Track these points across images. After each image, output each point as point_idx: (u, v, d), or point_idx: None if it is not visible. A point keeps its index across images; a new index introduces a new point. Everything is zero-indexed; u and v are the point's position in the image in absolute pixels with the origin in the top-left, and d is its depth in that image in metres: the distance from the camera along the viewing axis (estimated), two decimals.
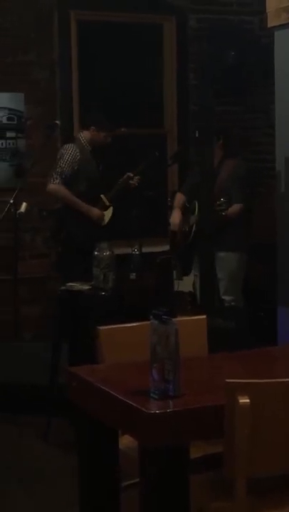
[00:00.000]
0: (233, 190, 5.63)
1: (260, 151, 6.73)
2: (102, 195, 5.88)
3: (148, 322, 2.50)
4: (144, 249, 5.19)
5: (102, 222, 5.86)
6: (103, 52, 6.73)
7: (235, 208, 5.64)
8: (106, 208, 5.90)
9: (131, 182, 5.86)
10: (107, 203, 5.89)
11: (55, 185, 5.66)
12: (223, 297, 5.61)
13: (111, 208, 5.90)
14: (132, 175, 5.88)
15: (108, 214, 5.91)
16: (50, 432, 4.78)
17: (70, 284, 4.84)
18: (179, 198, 5.99)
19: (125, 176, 5.88)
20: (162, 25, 6.91)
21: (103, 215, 5.85)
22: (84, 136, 5.84)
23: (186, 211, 5.90)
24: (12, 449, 4.72)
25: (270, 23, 4.44)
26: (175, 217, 5.93)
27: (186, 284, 5.67)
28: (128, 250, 5.13)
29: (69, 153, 5.72)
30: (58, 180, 5.65)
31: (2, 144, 6.29)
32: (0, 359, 5.50)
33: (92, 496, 2.88)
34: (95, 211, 5.81)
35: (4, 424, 5.06)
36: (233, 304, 5.66)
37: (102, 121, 5.83)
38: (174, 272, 5.41)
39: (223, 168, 5.69)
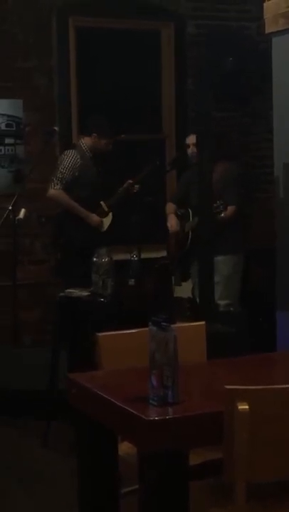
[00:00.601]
0: (226, 193, 5.63)
1: (258, 156, 6.74)
2: (101, 202, 5.89)
3: (147, 328, 2.50)
4: (143, 255, 5.20)
5: (100, 229, 5.87)
6: (101, 58, 6.74)
7: (229, 210, 5.64)
8: (105, 215, 5.90)
9: (130, 188, 5.87)
10: (107, 210, 5.90)
11: (55, 191, 5.68)
12: (218, 301, 5.61)
13: (110, 215, 5.91)
14: (132, 182, 5.88)
15: (107, 220, 5.91)
16: (50, 436, 4.78)
17: (69, 290, 4.85)
18: (170, 207, 6.03)
19: (126, 184, 5.89)
20: (160, 31, 6.93)
21: (102, 222, 5.86)
22: (85, 142, 5.85)
23: (179, 218, 5.93)
24: (12, 453, 4.72)
25: (268, 29, 4.46)
26: (172, 221, 5.95)
27: (184, 289, 5.67)
28: (127, 256, 5.13)
29: (69, 159, 5.73)
30: (58, 186, 5.66)
31: (1, 150, 6.30)
32: (0, 364, 5.50)
33: (92, 501, 2.88)
34: (94, 218, 5.81)
35: (4, 428, 5.07)
36: (231, 309, 5.66)
37: (104, 127, 5.83)
38: (173, 277, 5.42)
39: (215, 171, 5.70)
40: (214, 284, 5.58)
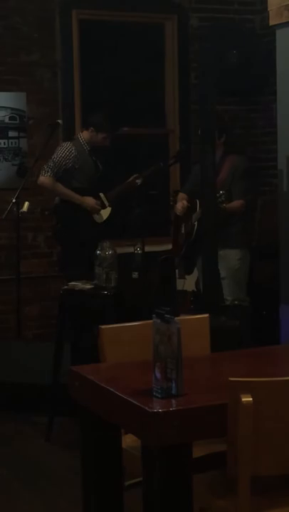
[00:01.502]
0: (233, 186, 5.62)
1: (262, 150, 6.73)
2: (100, 194, 5.89)
3: (150, 321, 2.49)
4: (147, 249, 5.20)
5: (96, 213, 5.85)
6: (105, 51, 6.73)
7: (236, 203, 5.62)
8: (104, 207, 5.90)
9: (136, 181, 5.86)
10: (106, 202, 5.90)
11: (45, 178, 5.71)
12: (225, 296, 5.59)
13: (109, 208, 5.91)
14: (137, 176, 5.86)
15: (106, 212, 5.91)
16: (53, 430, 4.79)
17: (73, 283, 4.85)
18: (181, 196, 5.97)
19: (131, 179, 5.88)
20: (164, 25, 6.91)
21: (97, 204, 5.85)
22: (83, 136, 5.87)
23: (188, 210, 5.89)
24: (15, 447, 4.73)
25: (272, 22, 4.44)
26: (179, 205, 5.84)
27: (188, 282, 5.67)
28: (130, 249, 5.13)
29: (63, 149, 5.77)
30: (48, 173, 5.70)
31: (4, 143, 6.30)
32: (2, 358, 5.51)
33: (96, 494, 2.88)
34: (88, 200, 5.81)
35: (7, 422, 5.08)
36: (236, 303, 5.64)
37: (101, 122, 5.85)
38: (177, 270, 5.41)
39: (223, 165, 5.69)
40: (219, 278, 5.59)
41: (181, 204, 5.80)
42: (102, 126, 5.84)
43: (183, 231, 5.80)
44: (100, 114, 5.95)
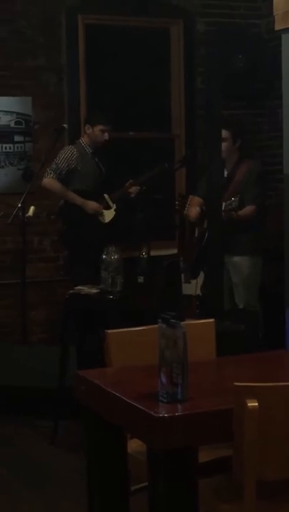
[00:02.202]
0: (246, 191, 5.60)
1: (267, 154, 6.73)
2: (105, 195, 5.91)
3: (156, 326, 2.49)
4: (153, 253, 5.20)
5: (99, 216, 5.86)
6: (111, 56, 6.74)
7: (248, 209, 5.59)
8: (109, 208, 5.91)
9: (130, 191, 5.87)
10: (110, 203, 5.91)
11: (48, 179, 5.74)
12: (237, 303, 5.57)
13: (113, 209, 5.92)
14: (132, 182, 5.87)
15: (111, 213, 5.92)
16: (58, 433, 4.79)
17: (78, 287, 4.85)
18: (197, 201, 5.88)
19: (127, 184, 5.90)
20: (169, 29, 6.92)
21: (100, 208, 5.86)
22: (84, 140, 5.91)
23: (201, 215, 5.85)
24: (20, 450, 4.73)
25: (278, 26, 4.44)
26: (192, 211, 5.76)
27: (194, 287, 5.66)
28: (136, 254, 5.13)
29: (65, 151, 5.82)
30: (51, 175, 5.73)
31: (10, 147, 6.31)
32: (8, 362, 5.51)
33: (101, 499, 2.88)
34: (90, 204, 5.82)
35: (13, 425, 5.08)
36: (249, 309, 5.62)
37: (94, 115, 5.94)
38: (182, 275, 5.41)
39: (238, 171, 5.67)
40: (233, 286, 5.57)
41: (194, 210, 5.75)
42: (94, 118, 5.89)
43: (196, 234, 5.75)
44: (90, 109, 5.98)
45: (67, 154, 5.79)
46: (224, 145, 5.63)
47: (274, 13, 4.45)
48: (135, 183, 5.85)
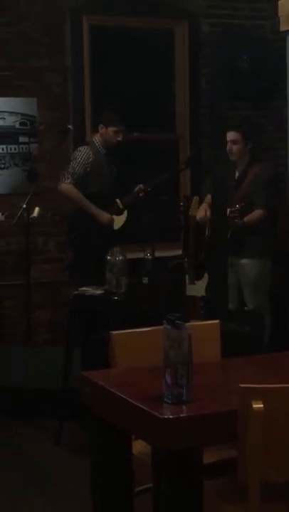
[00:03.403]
0: (256, 195, 5.57)
1: (273, 156, 6.71)
2: (117, 200, 5.90)
3: (161, 327, 2.49)
4: (157, 254, 5.19)
5: (111, 227, 5.87)
6: (115, 57, 6.74)
7: (255, 214, 5.56)
8: (120, 213, 5.91)
9: (140, 195, 5.87)
10: (122, 207, 5.90)
11: (66, 185, 5.70)
12: (247, 306, 5.55)
13: (125, 213, 5.91)
14: (142, 188, 5.86)
15: (122, 219, 5.91)
16: (63, 435, 4.79)
17: (83, 288, 4.85)
18: (209, 197, 5.83)
19: (137, 188, 5.89)
20: (174, 30, 6.91)
21: (112, 220, 5.86)
22: (97, 139, 5.87)
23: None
24: (25, 452, 4.73)
25: (283, 27, 4.45)
26: (200, 212, 5.71)
27: (199, 288, 5.65)
28: (141, 255, 5.13)
29: (82, 154, 5.76)
30: (69, 180, 5.69)
31: (15, 148, 6.31)
32: (13, 363, 5.51)
33: (106, 500, 2.88)
34: (105, 216, 5.81)
35: (17, 427, 5.08)
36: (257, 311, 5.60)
37: (108, 115, 5.87)
38: (187, 276, 5.40)
39: (249, 173, 5.65)
40: (241, 288, 5.55)
41: (203, 212, 5.72)
42: (109, 119, 5.84)
43: (207, 233, 5.72)
44: (106, 109, 5.96)
45: (84, 157, 5.75)
46: (236, 147, 5.63)
47: (279, 14, 4.46)
48: (146, 188, 5.83)
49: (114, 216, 5.90)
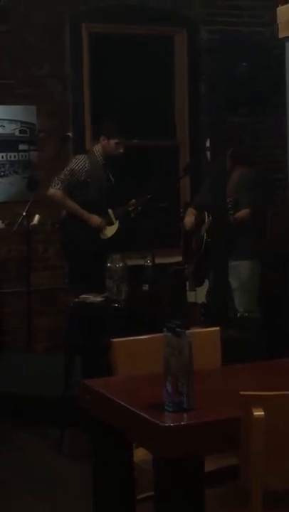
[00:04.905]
0: (240, 196, 5.62)
1: (271, 161, 6.73)
2: (109, 210, 5.90)
3: (161, 334, 2.49)
4: (157, 261, 5.19)
5: (101, 231, 5.86)
6: (115, 64, 6.75)
7: (243, 212, 5.61)
8: (111, 223, 5.91)
9: (130, 210, 5.88)
10: (114, 219, 5.91)
11: (54, 190, 5.73)
12: (237, 308, 5.57)
13: (116, 224, 5.92)
14: (134, 202, 5.88)
15: (113, 229, 5.91)
16: (64, 442, 4.78)
17: (84, 295, 4.85)
18: (190, 212, 5.99)
19: (130, 202, 5.91)
20: (173, 37, 6.93)
21: (103, 223, 5.85)
22: (97, 149, 5.87)
23: (197, 222, 5.89)
24: (26, 460, 4.72)
25: (281, 34, 4.45)
26: (187, 220, 5.86)
27: (199, 295, 5.66)
28: (141, 261, 5.13)
29: (77, 162, 5.78)
30: (58, 186, 5.71)
31: (15, 156, 6.32)
32: (13, 370, 5.51)
33: (107, 508, 2.88)
34: (95, 218, 5.82)
35: (18, 434, 5.08)
36: (246, 314, 5.62)
37: (110, 128, 5.87)
38: (187, 283, 5.40)
39: (231, 177, 5.69)
40: (231, 290, 5.56)
41: (189, 219, 5.80)
42: (111, 131, 5.84)
43: (193, 245, 5.80)
44: (107, 119, 5.96)
45: (78, 165, 5.76)
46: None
47: (278, 21, 4.46)
48: (138, 202, 5.85)
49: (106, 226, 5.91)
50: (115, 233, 5.90)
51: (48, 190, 5.77)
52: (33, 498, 4.21)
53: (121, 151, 5.85)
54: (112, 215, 5.90)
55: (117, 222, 5.91)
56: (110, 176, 5.93)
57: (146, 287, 4.96)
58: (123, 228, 5.94)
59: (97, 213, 5.84)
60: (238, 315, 5.42)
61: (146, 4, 6.70)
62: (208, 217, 5.65)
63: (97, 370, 3.42)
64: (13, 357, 5.78)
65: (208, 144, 5.77)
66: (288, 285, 4.72)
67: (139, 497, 2.89)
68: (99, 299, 4.74)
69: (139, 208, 5.77)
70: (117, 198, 5.98)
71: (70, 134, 6.12)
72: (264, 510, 2.39)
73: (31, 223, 5.84)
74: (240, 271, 5.65)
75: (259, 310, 5.75)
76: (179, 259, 6.02)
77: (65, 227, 5.92)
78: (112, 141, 5.82)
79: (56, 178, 5.73)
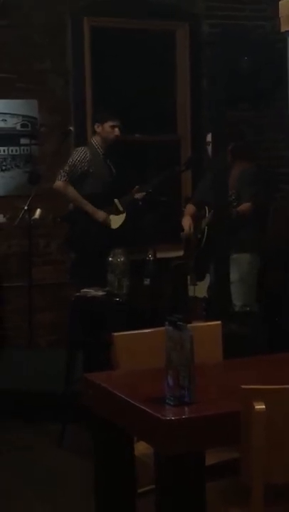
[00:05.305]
0: (241, 190, 5.63)
1: (274, 156, 6.72)
2: (115, 200, 5.91)
3: (163, 328, 2.49)
4: (159, 255, 5.19)
5: (108, 225, 5.87)
6: (116, 58, 6.74)
7: (244, 206, 5.62)
8: (119, 213, 5.92)
9: (136, 197, 5.88)
10: (121, 208, 5.91)
11: (61, 183, 5.73)
12: (234, 301, 5.58)
13: (124, 214, 5.92)
14: (139, 188, 5.88)
15: (120, 219, 5.92)
16: (65, 437, 4.79)
17: (85, 290, 4.85)
18: (189, 208, 6.00)
19: (134, 189, 5.91)
20: (175, 32, 6.91)
21: (108, 218, 5.86)
22: (95, 140, 5.91)
23: (197, 218, 5.90)
24: (28, 455, 4.73)
25: (283, 28, 4.44)
26: (185, 222, 5.92)
27: (200, 289, 5.66)
28: (143, 256, 5.13)
29: (78, 153, 5.81)
30: (64, 178, 5.72)
31: (16, 150, 6.31)
32: (15, 366, 5.51)
33: (108, 502, 2.88)
34: (101, 213, 5.83)
35: (20, 430, 5.08)
36: (247, 309, 5.62)
37: (101, 113, 5.95)
38: (188, 277, 5.40)
39: (232, 173, 5.69)
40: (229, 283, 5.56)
41: (187, 223, 5.82)
42: (102, 116, 5.90)
43: (194, 239, 5.80)
44: (97, 107, 5.99)
45: (80, 156, 5.79)
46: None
47: (279, 15, 4.45)
48: (142, 189, 5.85)
49: (112, 216, 5.91)
50: (123, 223, 5.90)
51: (53, 183, 5.77)
52: (33, 493, 4.21)
53: (117, 133, 5.87)
54: (118, 205, 5.91)
55: (125, 212, 5.91)
56: (112, 167, 5.94)
57: (147, 281, 4.97)
58: (132, 216, 5.93)
59: (102, 204, 5.84)
60: (236, 309, 5.43)
61: None
62: (209, 211, 5.65)
63: (98, 365, 3.42)
64: (14, 352, 5.78)
65: (208, 138, 5.79)
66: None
67: (139, 491, 2.89)
68: (100, 293, 4.74)
69: (145, 193, 5.75)
70: (120, 192, 5.98)
71: (71, 128, 6.12)
72: (265, 504, 2.39)
73: (33, 217, 5.84)
74: (239, 264, 5.65)
75: (258, 305, 5.75)
76: (180, 253, 6.02)
77: (71, 221, 5.91)
78: (107, 125, 5.85)
79: (61, 171, 5.74)
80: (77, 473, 4.32)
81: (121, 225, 5.91)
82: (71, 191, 5.76)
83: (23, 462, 4.62)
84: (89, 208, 5.79)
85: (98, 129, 5.88)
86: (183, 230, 5.94)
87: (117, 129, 5.87)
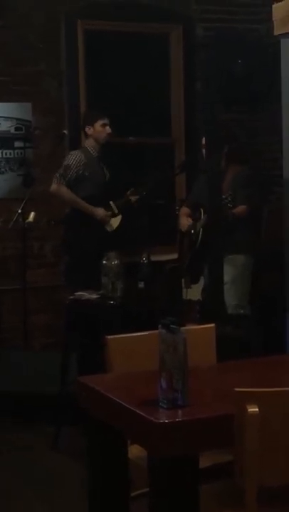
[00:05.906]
0: (236, 192, 5.64)
1: (268, 159, 6.73)
2: (111, 202, 5.92)
3: (156, 331, 2.49)
4: (153, 258, 5.19)
5: (106, 224, 5.87)
6: (110, 61, 6.75)
7: (240, 208, 5.63)
8: (114, 215, 5.92)
9: (130, 198, 5.89)
10: (116, 211, 5.92)
11: (57, 186, 5.74)
12: (227, 302, 5.58)
13: (120, 216, 5.93)
14: (133, 191, 5.90)
15: (116, 221, 5.93)
16: (60, 439, 4.78)
17: (79, 293, 4.85)
18: (184, 210, 6.01)
19: (129, 191, 5.93)
20: (169, 34, 6.92)
21: (107, 216, 5.87)
22: (88, 143, 5.92)
23: (192, 220, 5.90)
24: (22, 456, 4.73)
25: (277, 31, 4.45)
26: (183, 221, 5.91)
27: (194, 292, 5.66)
28: (137, 259, 5.13)
29: (73, 157, 5.81)
30: (60, 181, 5.73)
31: (10, 153, 6.31)
32: (9, 368, 5.51)
33: (102, 505, 2.88)
34: (99, 210, 5.84)
35: (14, 431, 5.07)
36: (241, 311, 5.63)
37: (89, 114, 5.99)
38: (183, 280, 5.41)
39: (226, 175, 5.70)
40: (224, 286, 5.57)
41: (184, 221, 5.82)
42: (91, 117, 5.93)
43: (188, 241, 5.80)
44: (85, 111, 6.09)
45: (75, 159, 5.79)
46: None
47: (273, 18, 4.46)
48: (136, 191, 5.86)
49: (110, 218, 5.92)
50: (119, 226, 5.91)
51: (47, 186, 5.78)
52: (29, 494, 4.21)
53: (109, 131, 5.89)
54: (113, 207, 5.92)
55: (120, 214, 5.92)
56: (105, 169, 5.95)
57: (141, 284, 4.97)
58: (126, 219, 5.94)
59: (98, 206, 5.84)
60: (229, 310, 5.43)
61: (141, 1, 6.70)
62: (204, 213, 5.66)
63: (92, 367, 3.41)
64: (11, 355, 5.78)
65: (204, 141, 5.79)
66: (283, 283, 4.73)
67: (133, 494, 2.89)
68: (94, 296, 4.74)
69: (139, 196, 5.77)
70: (114, 194, 5.99)
71: (65, 131, 6.12)
72: (259, 507, 2.39)
73: (27, 220, 5.85)
74: (234, 265, 5.66)
75: (251, 307, 5.76)
76: (175, 256, 6.03)
77: (68, 224, 5.91)
78: (97, 124, 5.87)
79: (57, 174, 5.74)
80: (71, 474, 4.31)
81: (116, 228, 5.92)
82: (67, 193, 5.76)
83: (19, 463, 4.62)
84: (87, 207, 5.79)
85: (90, 131, 5.89)
86: (181, 228, 5.92)
87: (108, 127, 5.89)
